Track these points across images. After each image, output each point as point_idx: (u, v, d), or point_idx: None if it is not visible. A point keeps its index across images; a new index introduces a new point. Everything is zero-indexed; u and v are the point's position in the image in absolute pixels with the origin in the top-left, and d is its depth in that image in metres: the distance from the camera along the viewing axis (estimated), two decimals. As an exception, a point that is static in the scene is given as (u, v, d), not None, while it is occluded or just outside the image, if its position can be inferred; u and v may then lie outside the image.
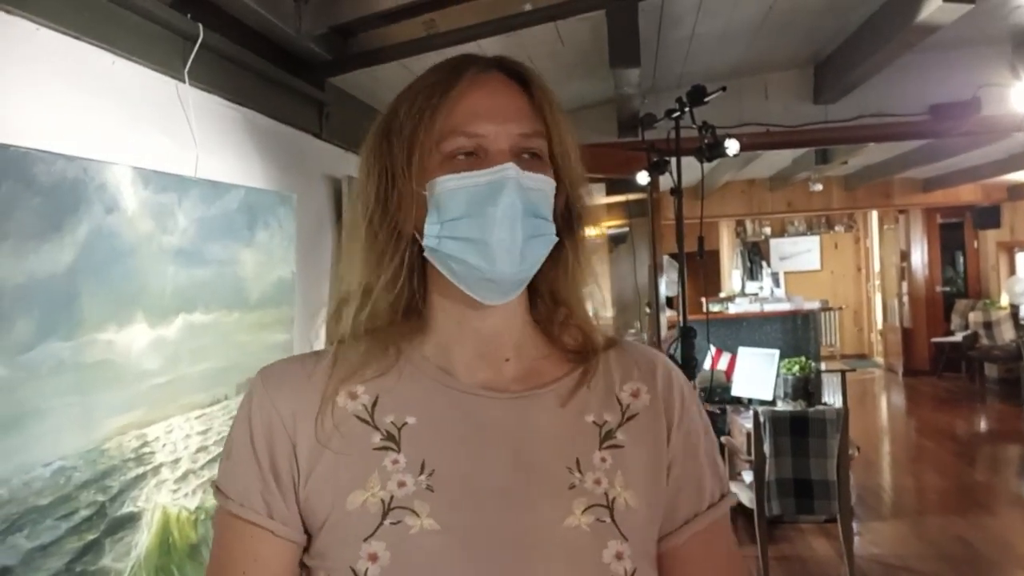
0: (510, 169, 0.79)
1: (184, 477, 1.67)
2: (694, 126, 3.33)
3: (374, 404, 0.83)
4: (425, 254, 0.83)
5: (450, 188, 0.80)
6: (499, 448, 0.82)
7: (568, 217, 0.88)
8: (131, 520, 1.51)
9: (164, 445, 1.61)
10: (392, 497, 0.79)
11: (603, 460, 0.84)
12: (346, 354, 0.85)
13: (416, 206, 0.82)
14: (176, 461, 1.64)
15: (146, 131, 1.68)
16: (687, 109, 3.27)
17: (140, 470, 1.54)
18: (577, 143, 0.88)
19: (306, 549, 0.84)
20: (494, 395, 0.84)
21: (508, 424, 0.83)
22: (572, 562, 0.79)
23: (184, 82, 1.80)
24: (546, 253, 0.83)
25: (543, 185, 0.82)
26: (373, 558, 0.77)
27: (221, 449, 0.92)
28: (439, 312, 0.87)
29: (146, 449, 1.56)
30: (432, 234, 0.81)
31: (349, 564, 0.78)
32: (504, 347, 0.87)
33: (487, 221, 0.79)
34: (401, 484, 0.79)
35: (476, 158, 0.81)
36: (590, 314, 0.91)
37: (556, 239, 0.84)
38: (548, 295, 0.89)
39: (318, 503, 0.81)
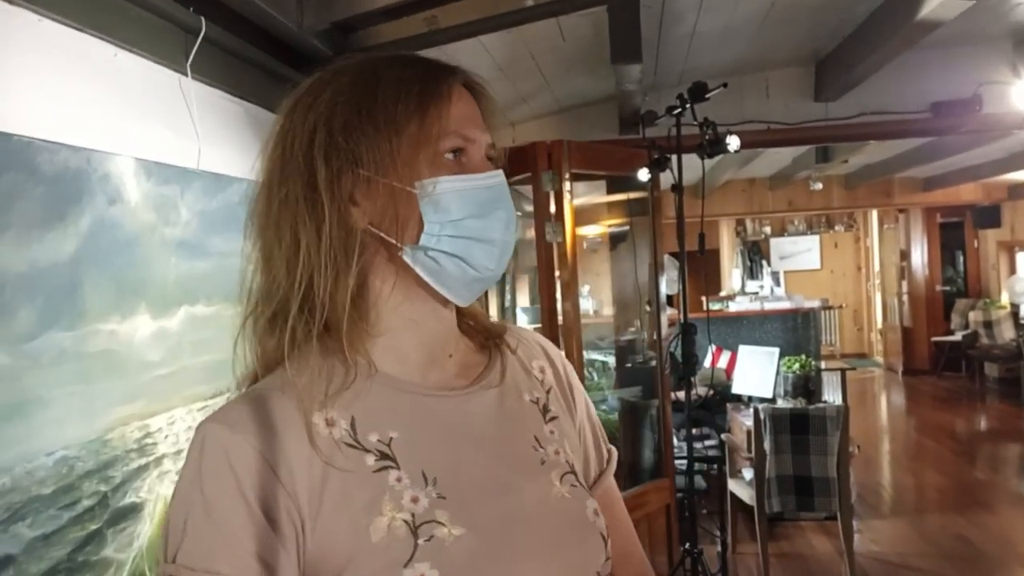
0: (501, 176, 0.84)
1: (186, 469, 1.67)
2: (695, 123, 3.33)
3: (353, 426, 0.79)
4: (403, 254, 0.80)
5: (456, 188, 0.80)
6: (472, 442, 0.84)
7: None
8: (133, 511, 1.51)
9: (166, 436, 1.61)
10: (414, 515, 0.77)
11: (551, 432, 0.91)
12: (305, 377, 0.78)
13: (394, 203, 0.79)
14: (178, 452, 1.64)
15: (149, 123, 1.69)
16: (688, 106, 3.27)
17: (142, 461, 1.54)
18: None
19: None
20: (448, 394, 0.85)
21: (470, 418, 0.85)
22: (571, 526, 0.85)
23: (187, 75, 1.80)
24: None
25: None
26: None
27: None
28: (391, 315, 0.83)
29: (148, 440, 1.56)
30: (433, 232, 0.80)
31: None
32: (449, 345, 0.88)
33: (495, 222, 0.82)
34: (415, 499, 0.77)
35: (459, 161, 0.82)
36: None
37: None
38: None
39: (333, 545, 0.75)
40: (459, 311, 0.90)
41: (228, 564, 0.72)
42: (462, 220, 0.80)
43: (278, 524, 0.74)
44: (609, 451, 1.00)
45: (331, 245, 0.78)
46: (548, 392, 0.94)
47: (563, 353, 1.01)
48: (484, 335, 0.94)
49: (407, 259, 0.80)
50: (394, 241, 0.80)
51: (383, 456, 0.78)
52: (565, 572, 0.82)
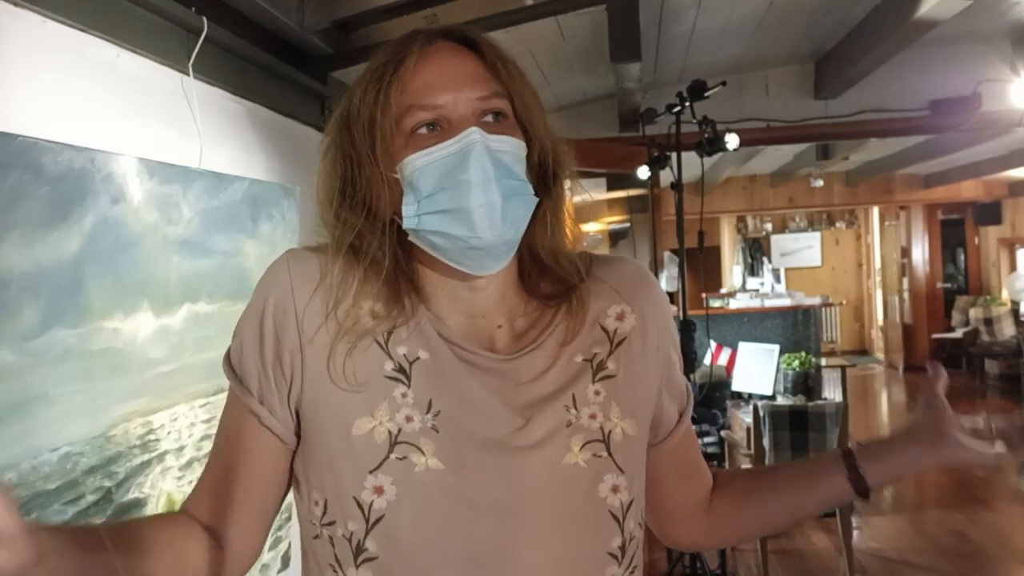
0: (475, 133, 0.78)
1: (188, 465, 1.69)
2: (694, 121, 3.35)
3: (390, 332, 0.83)
4: (408, 236, 0.83)
5: (421, 164, 0.80)
6: (500, 399, 0.82)
7: (543, 174, 0.87)
8: (136, 506, 1.53)
9: (169, 433, 1.63)
10: (400, 430, 0.79)
11: (596, 393, 0.86)
12: (374, 275, 0.84)
13: (389, 190, 0.83)
14: (181, 449, 1.66)
15: (151, 123, 1.70)
16: (687, 104, 3.28)
17: (145, 457, 1.56)
18: (540, 100, 0.87)
19: (296, 454, 0.85)
20: (494, 356, 0.84)
21: (503, 372, 0.84)
22: (568, 499, 0.81)
23: (188, 75, 1.81)
24: (528, 213, 0.83)
25: (511, 146, 0.81)
26: (379, 491, 0.78)
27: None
28: (432, 287, 0.86)
29: (151, 436, 1.58)
30: (410, 213, 0.81)
31: (352, 494, 0.79)
32: (497, 317, 0.87)
33: (462, 189, 0.78)
34: (409, 419, 0.80)
35: (440, 131, 0.81)
36: (569, 259, 0.90)
37: (536, 199, 0.83)
38: (528, 253, 0.88)
39: (321, 415, 0.81)
40: (530, 268, 0.89)
41: (240, 370, 0.85)
42: (435, 194, 0.80)
43: (281, 362, 0.82)
44: (687, 390, 0.97)
45: (342, 239, 0.84)
46: (618, 344, 0.89)
47: (665, 295, 0.96)
48: (558, 292, 0.89)
49: (413, 240, 0.83)
50: (401, 224, 0.83)
51: (400, 370, 0.82)
52: (563, 544, 0.80)
